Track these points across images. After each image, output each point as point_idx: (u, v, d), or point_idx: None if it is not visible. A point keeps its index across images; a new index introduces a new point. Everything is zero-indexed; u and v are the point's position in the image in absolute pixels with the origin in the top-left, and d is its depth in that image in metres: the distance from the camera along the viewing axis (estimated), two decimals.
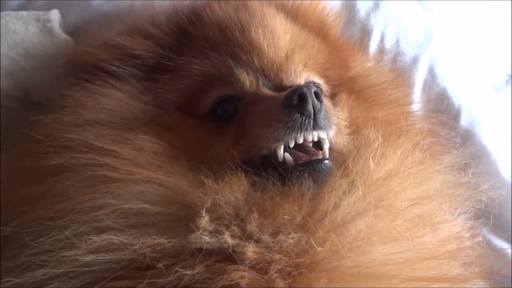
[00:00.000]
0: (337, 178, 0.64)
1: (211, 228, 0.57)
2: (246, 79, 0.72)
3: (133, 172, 0.64)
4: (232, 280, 0.54)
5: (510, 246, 0.92)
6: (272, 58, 0.74)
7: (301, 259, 0.56)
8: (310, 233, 0.57)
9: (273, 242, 0.57)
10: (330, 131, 0.69)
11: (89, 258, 0.57)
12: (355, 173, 0.65)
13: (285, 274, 0.55)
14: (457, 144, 0.96)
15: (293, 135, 0.65)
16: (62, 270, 0.58)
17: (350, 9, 1.04)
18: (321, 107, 0.66)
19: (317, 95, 0.65)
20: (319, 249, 0.56)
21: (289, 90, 0.67)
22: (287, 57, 0.76)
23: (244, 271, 0.55)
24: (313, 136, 0.66)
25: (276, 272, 0.55)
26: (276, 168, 0.64)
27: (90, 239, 0.58)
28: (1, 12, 0.83)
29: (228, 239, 0.57)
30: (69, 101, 0.72)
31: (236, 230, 0.58)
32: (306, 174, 0.63)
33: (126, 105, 0.72)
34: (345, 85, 0.84)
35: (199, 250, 0.57)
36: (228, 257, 0.56)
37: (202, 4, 0.83)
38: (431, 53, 1.04)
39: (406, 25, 1.05)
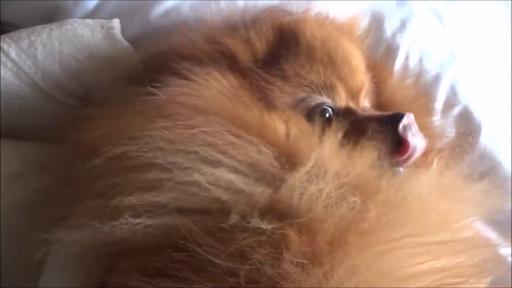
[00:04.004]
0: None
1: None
2: (343, 95, 0.85)
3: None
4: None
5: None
6: (357, 83, 0.87)
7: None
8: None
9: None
10: None
11: (207, 186, 0.60)
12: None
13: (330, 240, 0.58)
14: (475, 158, 1.04)
15: None
16: (172, 195, 0.60)
17: (378, 29, 1.12)
18: None
19: None
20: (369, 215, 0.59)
21: (396, 112, 0.80)
22: (363, 87, 0.89)
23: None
24: None
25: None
26: None
27: (208, 169, 0.62)
28: (69, 20, 0.92)
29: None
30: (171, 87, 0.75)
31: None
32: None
33: (234, 95, 0.78)
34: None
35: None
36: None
37: (299, 19, 0.93)
38: (454, 72, 1.10)
39: (430, 45, 1.13)
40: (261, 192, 0.62)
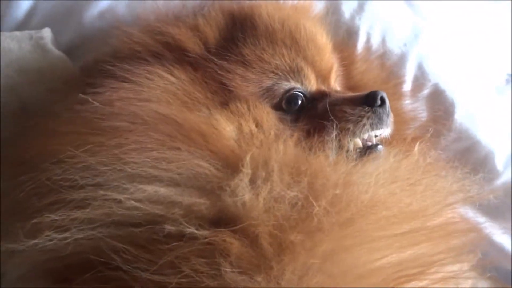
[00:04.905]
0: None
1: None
2: (312, 78, 0.80)
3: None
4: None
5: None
6: (326, 64, 0.83)
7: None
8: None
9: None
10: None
11: (134, 204, 0.57)
12: None
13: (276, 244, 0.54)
14: (451, 138, 0.98)
15: (378, 128, 0.75)
16: (101, 212, 0.57)
17: (335, 12, 1.06)
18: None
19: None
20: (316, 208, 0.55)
21: (371, 92, 0.76)
22: (332, 67, 0.85)
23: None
24: (384, 131, 0.77)
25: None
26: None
27: (141, 187, 0.58)
28: None
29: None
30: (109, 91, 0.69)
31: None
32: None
33: (182, 92, 0.72)
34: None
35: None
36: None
37: (251, 3, 0.86)
38: (419, 50, 1.05)
39: (391, 24, 1.07)
40: (200, 203, 0.58)
